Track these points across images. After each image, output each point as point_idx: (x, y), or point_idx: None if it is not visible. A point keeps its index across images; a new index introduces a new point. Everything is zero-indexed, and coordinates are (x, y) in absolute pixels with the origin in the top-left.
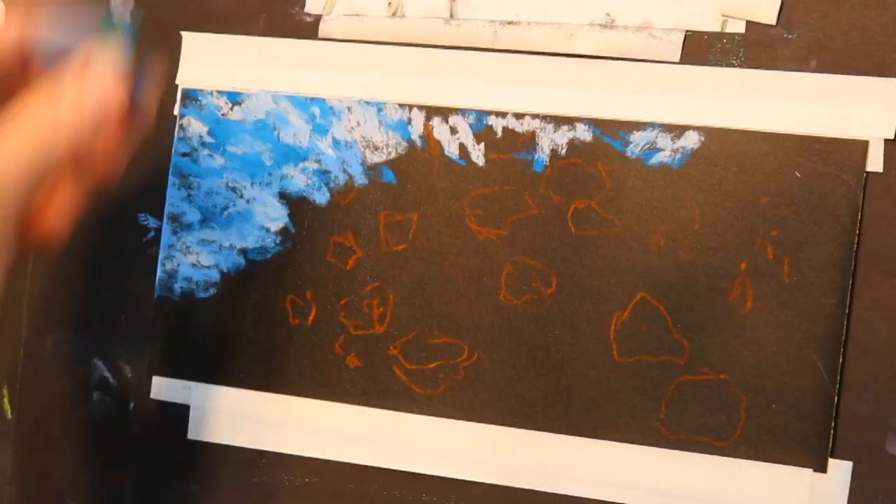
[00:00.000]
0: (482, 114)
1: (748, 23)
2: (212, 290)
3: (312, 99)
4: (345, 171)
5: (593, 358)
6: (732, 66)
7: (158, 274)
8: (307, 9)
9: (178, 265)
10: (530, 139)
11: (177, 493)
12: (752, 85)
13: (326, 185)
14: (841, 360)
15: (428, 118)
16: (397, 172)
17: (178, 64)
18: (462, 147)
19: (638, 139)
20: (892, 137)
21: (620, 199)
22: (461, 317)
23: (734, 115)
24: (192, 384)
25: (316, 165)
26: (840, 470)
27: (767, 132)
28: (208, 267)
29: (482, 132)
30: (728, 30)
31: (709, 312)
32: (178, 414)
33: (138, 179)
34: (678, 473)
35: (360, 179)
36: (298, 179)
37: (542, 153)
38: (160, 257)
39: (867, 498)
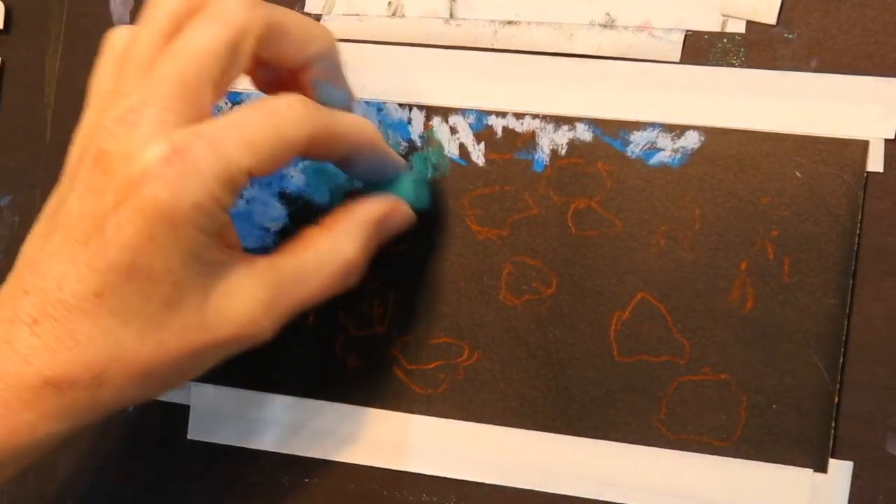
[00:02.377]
0: (482, 114)
1: (748, 22)
2: None
3: None
4: None
5: (593, 358)
6: (733, 65)
7: None
8: (307, 8)
9: None
10: (530, 139)
11: (177, 493)
12: (752, 85)
13: (326, 184)
14: (841, 360)
15: (428, 118)
16: None
17: None
18: (462, 147)
19: (638, 139)
20: (892, 137)
21: (621, 199)
22: (461, 317)
23: (734, 114)
24: (192, 384)
25: (316, 165)
26: (841, 470)
27: (768, 132)
28: None
29: (482, 132)
30: (728, 30)
31: (709, 312)
32: (178, 414)
33: None
34: (678, 473)
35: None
36: (298, 179)
37: (542, 153)
38: None
39: (867, 498)
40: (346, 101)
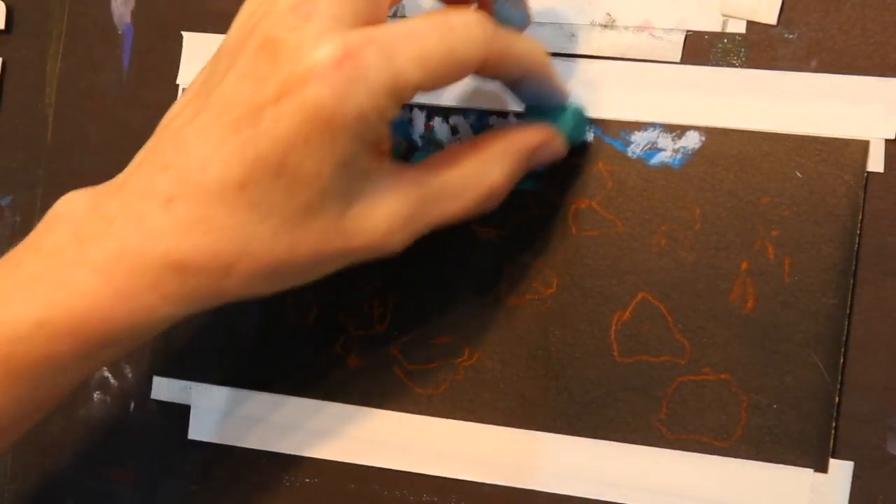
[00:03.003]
0: (483, 113)
1: (749, 23)
2: None
3: None
4: None
5: (593, 358)
6: (733, 66)
7: None
8: None
9: None
10: None
11: (177, 493)
12: (752, 85)
13: None
14: (841, 360)
15: (429, 118)
16: None
17: (179, 64)
18: None
19: (639, 139)
20: (892, 137)
21: (621, 199)
22: (461, 317)
23: (735, 115)
24: (192, 384)
25: None
26: (841, 470)
27: (768, 132)
28: None
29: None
30: (728, 30)
31: (710, 312)
32: (178, 414)
33: None
34: (678, 473)
35: None
36: None
37: None
38: None
39: (868, 498)
40: (523, 22)
